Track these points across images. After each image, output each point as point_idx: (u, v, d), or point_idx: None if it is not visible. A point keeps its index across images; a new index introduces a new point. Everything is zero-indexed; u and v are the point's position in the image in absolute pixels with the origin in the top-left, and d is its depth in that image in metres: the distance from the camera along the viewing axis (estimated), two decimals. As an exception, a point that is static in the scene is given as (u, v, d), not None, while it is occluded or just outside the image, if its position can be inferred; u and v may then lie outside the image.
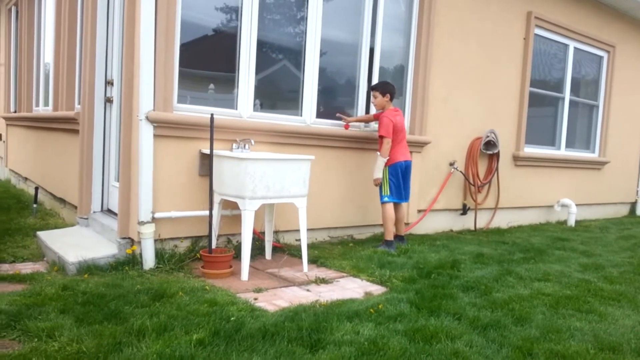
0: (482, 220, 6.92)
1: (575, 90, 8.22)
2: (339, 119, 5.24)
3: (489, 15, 6.54)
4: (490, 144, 6.62)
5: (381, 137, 4.97)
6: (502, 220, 7.22)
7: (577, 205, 7.94)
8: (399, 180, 5.11)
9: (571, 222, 7.76)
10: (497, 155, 6.76)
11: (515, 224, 7.43)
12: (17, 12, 8.72)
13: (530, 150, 7.47)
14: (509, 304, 3.58)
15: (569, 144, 8.24)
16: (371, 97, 5.21)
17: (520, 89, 7.15)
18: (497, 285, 4.06)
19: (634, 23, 8.86)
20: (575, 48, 7.98)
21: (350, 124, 5.27)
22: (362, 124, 5.50)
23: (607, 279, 4.48)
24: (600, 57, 8.54)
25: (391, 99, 5.10)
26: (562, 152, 8.09)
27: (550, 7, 7.32)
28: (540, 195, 7.73)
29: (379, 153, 5.00)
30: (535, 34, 7.23)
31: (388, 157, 5.00)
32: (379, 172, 5.02)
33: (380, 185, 5.07)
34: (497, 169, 6.81)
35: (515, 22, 6.93)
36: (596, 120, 8.72)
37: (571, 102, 8.14)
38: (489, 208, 6.96)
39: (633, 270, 4.88)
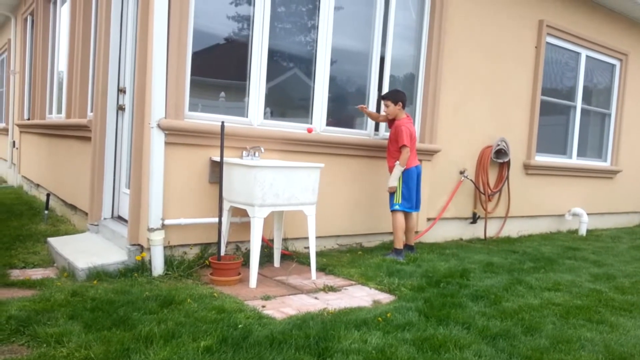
0: (492, 229, 6.87)
1: (587, 98, 8.16)
2: (357, 108, 5.21)
3: (500, 23, 6.54)
4: (501, 153, 6.59)
5: (402, 146, 4.95)
6: (513, 229, 7.17)
7: (588, 214, 7.86)
8: (413, 185, 5.10)
9: (582, 232, 7.69)
10: (508, 163, 6.72)
11: (526, 233, 7.37)
12: (32, 21, 8.86)
13: (542, 159, 7.42)
14: (519, 314, 3.55)
15: (581, 153, 8.18)
16: (382, 106, 5.19)
17: (532, 97, 7.12)
18: (506, 295, 4.03)
19: (647, 31, 8.81)
20: (587, 56, 7.94)
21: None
22: (372, 133, 5.51)
23: (619, 289, 4.43)
24: (613, 66, 8.48)
25: (403, 107, 5.10)
26: (574, 160, 8.03)
27: (562, 16, 7.30)
28: (551, 204, 7.67)
29: (397, 162, 4.98)
30: (547, 42, 7.21)
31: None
32: (395, 180, 5.00)
33: (392, 193, 5.06)
34: (507, 178, 6.77)
35: (527, 30, 6.91)
36: (608, 128, 8.65)
37: (583, 111, 8.09)
38: (499, 217, 6.91)
39: (646, 280, 4.82)
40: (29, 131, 8.53)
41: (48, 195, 6.40)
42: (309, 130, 4.83)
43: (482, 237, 6.70)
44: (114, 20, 4.95)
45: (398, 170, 4.98)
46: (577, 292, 4.26)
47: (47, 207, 6.13)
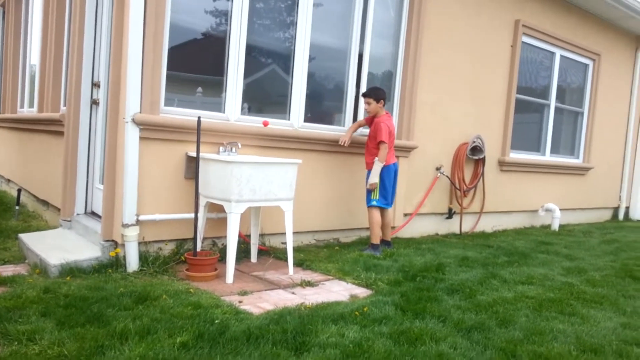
0: (468, 224, 6.96)
1: (560, 97, 8.32)
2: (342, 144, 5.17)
3: (477, 22, 6.61)
4: (476, 149, 6.67)
5: (380, 142, 4.98)
6: (487, 224, 7.28)
7: (561, 209, 8.02)
8: (391, 182, 5.14)
9: (555, 227, 7.84)
10: (483, 160, 6.81)
11: (500, 228, 7.49)
12: (3, 12, 8.64)
13: (516, 156, 7.54)
14: (493, 307, 3.61)
15: (554, 150, 8.34)
16: (364, 104, 5.19)
17: (507, 95, 7.22)
18: (481, 288, 4.09)
19: (619, 32, 9.01)
20: (561, 56, 8.08)
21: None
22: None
23: (590, 282, 4.53)
24: (586, 65, 8.66)
25: (384, 104, 5.13)
26: (547, 157, 8.18)
27: (538, 16, 7.42)
28: (525, 199, 7.81)
29: (376, 159, 5.00)
30: (523, 42, 7.31)
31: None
32: (375, 177, 5.02)
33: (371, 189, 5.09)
34: (482, 174, 6.86)
35: (503, 29, 7.01)
36: (581, 126, 8.83)
37: (556, 109, 8.24)
38: (474, 212, 7.00)
39: (615, 273, 4.94)
40: (0, 125, 8.33)
41: (19, 190, 6.26)
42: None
43: (458, 232, 6.78)
44: (89, 12, 4.85)
45: (378, 166, 5.00)
46: (550, 285, 4.34)
47: (18, 203, 6.00)
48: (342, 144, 5.13)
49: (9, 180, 7.75)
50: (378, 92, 5.10)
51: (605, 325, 3.40)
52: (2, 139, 8.32)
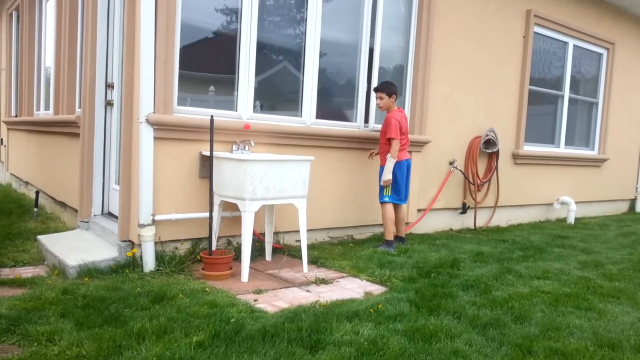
0: (482, 218, 6.92)
1: (574, 87, 8.22)
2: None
3: (488, 13, 6.55)
4: (489, 143, 6.62)
5: (390, 139, 4.97)
6: (502, 218, 7.23)
7: (576, 202, 7.94)
8: (404, 178, 5.13)
9: (571, 220, 7.77)
10: (497, 153, 6.76)
11: (515, 222, 7.43)
12: (18, 16, 8.75)
13: (530, 149, 7.47)
14: (509, 302, 3.59)
15: (569, 142, 8.24)
16: (376, 99, 5.16)
17: (520, 87, 7.15)
18: (496, 284, 4.07)
19: (634, 19, 8.86)
20: (574, 46, 7.98)
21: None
22: (362, 125, 5.51)
23: (607, 276, 4.49)
24: (600, 55, 8.54)
25: (396, 99, 5.11)
26: (562, 149, 8.10)
27: (550, 5, 7.32)
28: (540, 193, 7.73)
29: (389, 155, 4.99)
30: (535, 32, 7.23)
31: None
32: (389, 173, 5.01)
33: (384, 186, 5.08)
34: (496, 168, 6.81)
35: (515, 20, 6.93)
36: (595, 117, 8.72)
37: (570, 100, 8.15)
38: (488, 207, 6.96)
39: (632, 267, 4.88)
40: (17, 128, 8.45)
41: (37, 192, 6.36)
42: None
43: (472, 227, 6.74)
44: (101, 14, 4.90)
45: (391, 162, 4.99)
46: (566, 280, 4.31)
47: (36, 205, 6.09)
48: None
49: (27, 183, 7.87)
50: (390, 87, 5.08)
51: (623, 320, 3.37)
52: (19, 141, 8.44)
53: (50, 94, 6.51)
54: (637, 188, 9.76)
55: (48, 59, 6.98)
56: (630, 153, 9.47)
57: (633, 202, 9.85)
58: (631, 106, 9.25)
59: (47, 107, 6.93)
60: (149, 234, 4.01)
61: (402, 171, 5.12)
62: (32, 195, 6.74)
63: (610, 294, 3.94)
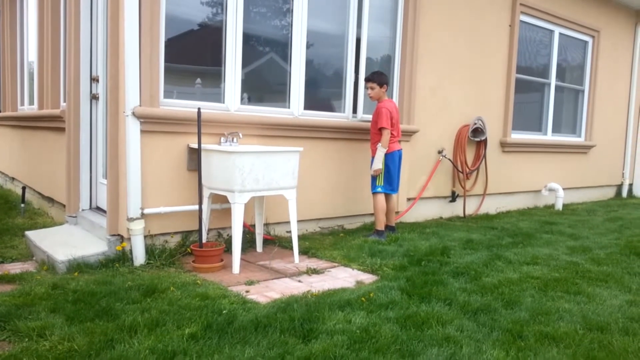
0: (471, 206, 6.97)
1: (560, 75, 8.27)
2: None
3: (475, 3, 6.55)
4: (477, 131, 6.65)
5: (381, 128, 4.97)
6: (491, 206, 7.28)
7: (564, 189, 8.02)
8: (396, 168, 5.14)
9: (559, 206, 7.84)
10: (485, 142, 6.79)
11: (504, 210, 7.49)
12: (-2, 10, 8.58)
13: (517, 136, 7.52)
14: (499, 288, 3.62)
15: (556, 129, 8.31)
16: (367, 88, 5.15)
17: (507, 75, 7.18)
18: (486, 270, 4.10)
19: (618, 7, 8.92)
20: (560, 34, 8.02)
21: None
22: (350, 115, 5.50)
23: (595, 261, 4.54)
24: (585, 42, 8.59)
25: (386, 89, 5.11)
26: (549, 137, 8.16)
27: (535, -7, 7.35)
28: (528, 180, 7.80)
29: (379, 144, 4.99)
30: (521, 21, 7.26)
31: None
32: (379, 163, 5.02)
33: (375, 175, 5.08)
34: (484, 156, 6.85)
35: (501, 9, 6.94)
36: (582, 104, 8.79)
37: (557, 88, 8.20)
38: (477, 194, 7.01)
39: (620, 251, 4.95)
40: (1, 124, 8.32)
41: (24, 188, 6.28)
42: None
43: (462, 214, 6.79)
44: (84, 7, 4.83)
45: (381, 152, 4.99)
46: (555, 265, 4.36)
47: (23, 201, 6.03)
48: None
49: (13, 179, 7.77)
50: (381, 77, 5.07)
51: (611, 303, 3.41)
52: (4, 137, 8.33)
53: (34, 89, 6.43)
54: (623, 174, 9.88)
55: (31, 53, 6.88)
56: (617, 139, 9.57)
57: (620, 187, 9.97)
58: (616, 93, 9.33)
59: (31, 102, 6.84)
60: (138, 227, 3.99)
61: (394, 162, 5.13)
62: (19, 191, 6.66)
63: (598, 278, 3.99)
